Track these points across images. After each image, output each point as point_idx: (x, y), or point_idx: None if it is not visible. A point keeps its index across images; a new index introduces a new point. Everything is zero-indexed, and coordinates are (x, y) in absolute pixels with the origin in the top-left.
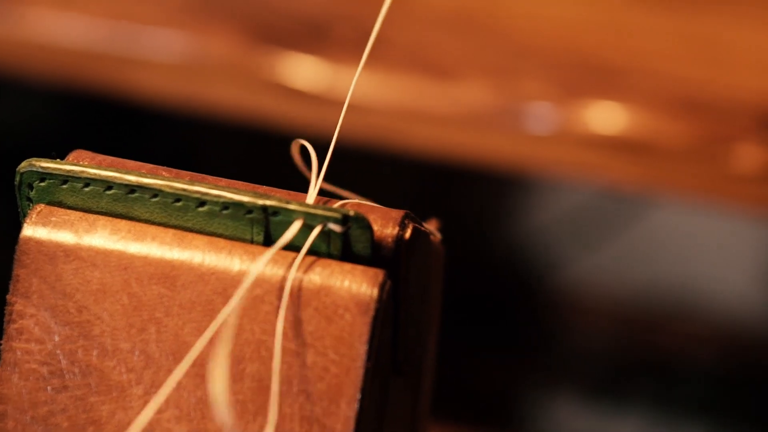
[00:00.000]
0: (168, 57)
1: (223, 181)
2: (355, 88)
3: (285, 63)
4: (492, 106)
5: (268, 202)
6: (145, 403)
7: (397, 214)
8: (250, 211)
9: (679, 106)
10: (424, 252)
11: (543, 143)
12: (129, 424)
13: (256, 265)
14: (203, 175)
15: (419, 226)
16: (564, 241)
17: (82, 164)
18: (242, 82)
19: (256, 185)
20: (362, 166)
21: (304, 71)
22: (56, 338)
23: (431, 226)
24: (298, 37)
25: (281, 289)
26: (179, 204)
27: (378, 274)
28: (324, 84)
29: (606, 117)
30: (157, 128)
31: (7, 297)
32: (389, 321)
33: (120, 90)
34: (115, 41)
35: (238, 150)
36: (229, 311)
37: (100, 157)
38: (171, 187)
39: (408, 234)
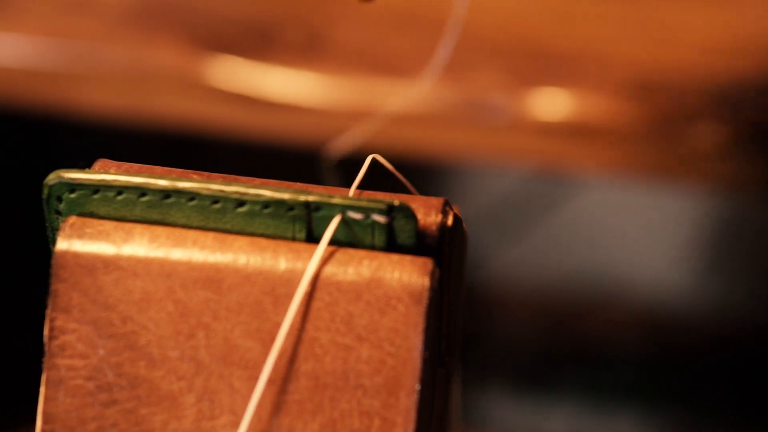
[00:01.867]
0: (111, 71)
1: (257, 181)
2: (306, 90)
3: (233, 70)
4: (445, 100)
5: (310, 198)
6: (199, 411)
7: (437, 201)
8: (291, 208)
9: (632, 89)
10: (461, 238)
11: (500, 134)
12: None
13: (311, 263)
14: (234, 176)
15: (457, 213)
16: (485, 234)
17: (112, 172)
18: (190, 92)
19: (290, 182)
20: (317, 168)
21: (253, 77)
22: (101, 352)
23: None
24: (245, 43)
25: (331, 284)
26: (217, 206)
27: (427, 262)
28: (274, 89)
29: (560, 104)
30: (104, 144)
31: (47, 313)
32: (438, 310)
33: (65, 108)
34: (56, 59)
35: (190, 160)
36: (292, 315)
37: (126, 165)
38: (208, 189)
39: (450, 221)
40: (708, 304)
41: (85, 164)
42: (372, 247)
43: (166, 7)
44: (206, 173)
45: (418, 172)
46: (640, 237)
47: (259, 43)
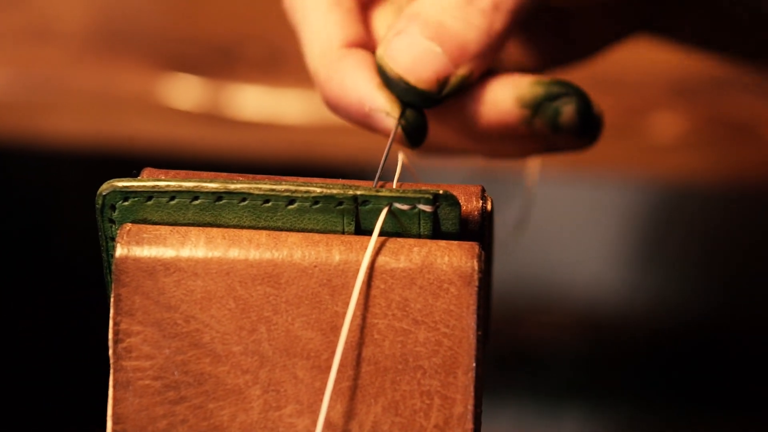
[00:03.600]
0: (76, 98)
1: (300, 179)
2: (271, 106)
3: (197, 89)
4: None
5: (358, 192)
6: (265, 402)
7: (475, 188)
8: (340, 203)
9: (592, 84)
10: (493, 222)
11: None
12: (252, 425)
13: (366, 254)
14: (278, 176)
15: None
16: None
17: (163, 179)
18: (155, 114)
19: (333, 179)
20: None
21: (217, 96)
22: (166, 351)
23: None
24: (208, 62)
25: (385, 272)
26: (268, 205)
27: (474, 246)
28: (239, 106)
29: None
30: (74, 172)
31: (111, 317)
32: (485, 291)
33: (32, 137)
34: (21, 89)
35: None
36: (354, 303)
37: (173, 171)
38: (259, 189)
39: (489, 206)
40: (644, 300)
41: (137, 173)
42: (418, 236)
43: (127, 31)
44: (250, 175)
45: (354, 174)
46: (574, 240)
47: (222, 61)
